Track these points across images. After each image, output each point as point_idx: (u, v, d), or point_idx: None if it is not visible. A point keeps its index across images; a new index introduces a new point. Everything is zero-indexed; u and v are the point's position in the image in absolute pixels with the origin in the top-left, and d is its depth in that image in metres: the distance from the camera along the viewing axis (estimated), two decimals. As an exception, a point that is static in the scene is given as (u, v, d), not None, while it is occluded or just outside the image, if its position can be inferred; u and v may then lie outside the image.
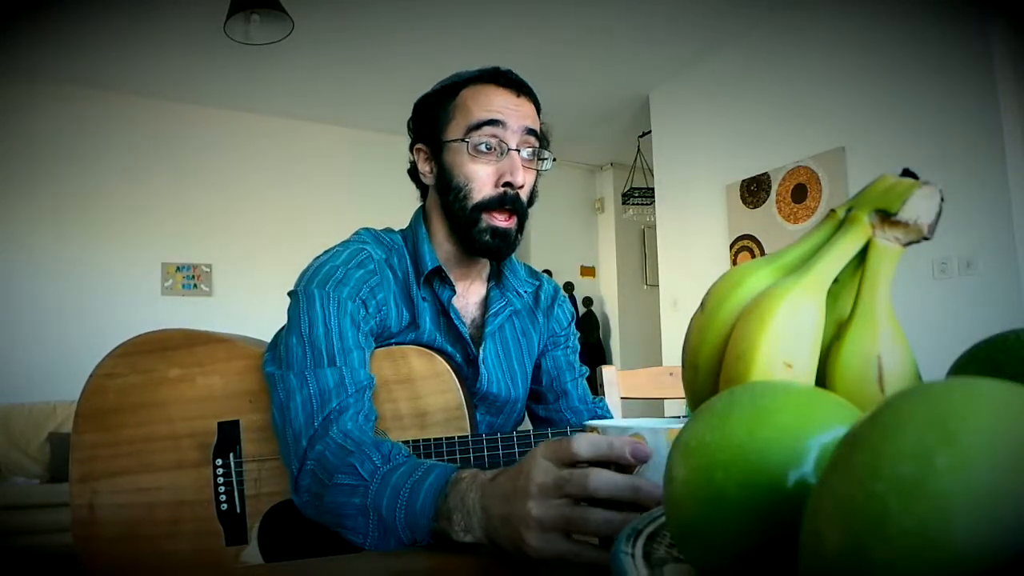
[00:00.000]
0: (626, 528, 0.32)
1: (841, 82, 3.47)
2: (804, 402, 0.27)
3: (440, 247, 1.02)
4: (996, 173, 2.86)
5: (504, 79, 0.98)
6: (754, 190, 3.92)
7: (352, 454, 0.78)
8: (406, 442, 0.90)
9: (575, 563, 0.56)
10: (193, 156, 4.70)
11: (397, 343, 0.98)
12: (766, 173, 3.85)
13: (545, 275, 1.19)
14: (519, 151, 0.96)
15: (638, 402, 2.17)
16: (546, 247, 5.94)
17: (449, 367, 0.97)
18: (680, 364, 0.40)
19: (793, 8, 3.66)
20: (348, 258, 0.96)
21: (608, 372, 1.36)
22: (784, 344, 0.34)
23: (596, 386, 1.35)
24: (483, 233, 0.96)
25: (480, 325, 1.05)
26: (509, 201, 0.96)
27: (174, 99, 4.63)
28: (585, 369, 1.19)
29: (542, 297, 1.14)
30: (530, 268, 1.18)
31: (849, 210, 0.37)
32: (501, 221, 0.96)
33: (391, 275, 0.99)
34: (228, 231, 4.70)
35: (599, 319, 5.98)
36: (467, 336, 1.02)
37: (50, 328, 4.12)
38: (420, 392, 0.95)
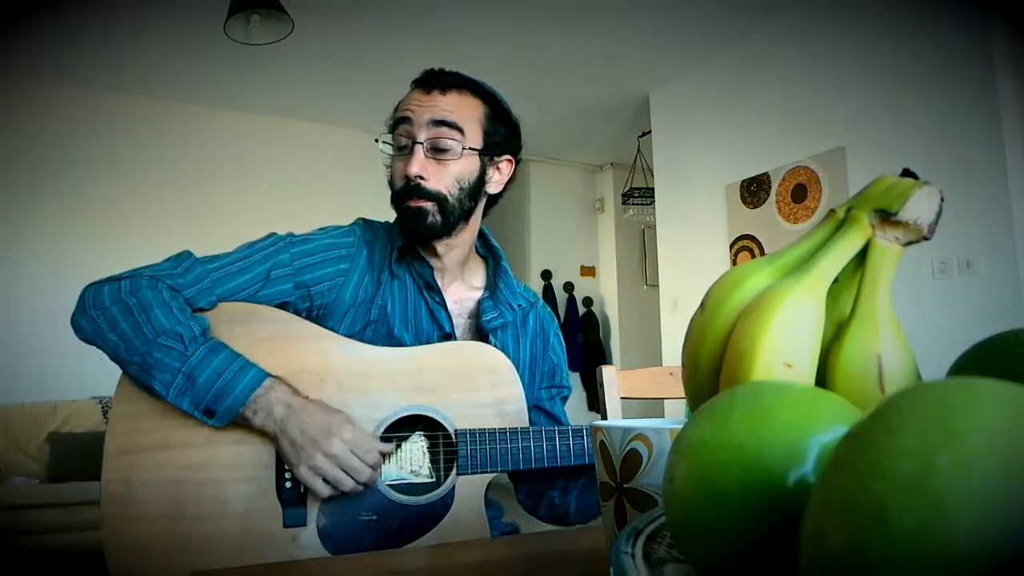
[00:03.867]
0: (626, 528, 0.32)
1: (841, 82, 3.47)
2: (804, 402, 0.27)
3: None
4: (996, 173, 2.86)
5: (420, 80, 1.08)
6: (754, 190, 3.92)
7: (179, 323, 0.92)
8: (471, 432, 0.98)
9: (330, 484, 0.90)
10: (193, 156, 4.70)
11: (355, 315, 1.04)
12: (766, 173, 3.85)
13: (540, 300, 1.23)
14: (423, 143, 1.04)
15: (638, 402, 2.17)
16: (546, 247, 5.94)
17: (511, 363, 1.02)
18: (680, 364, 0.40)
19: (793, 8, 3.65)
20: (328, 228, 1.10)
21: (608, 372, 1.36)
22: (784, 344, 0.34)
23: (596, 386, 1.35)
24: (404, 215, 1.06)
25: (464, 325, 1.11)
26: (411, 191, 1.04)
27: (174, 99, 4.63)
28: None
29: (531, 321, 1.17)
30: (529, 289, 1.22)
31: (849, 210, 0.37)
32: (412, 202, 1.05)
33: (367, 253, 1.08)
34: (228, 231, 4.68)
35: (599, 319, 5.98)
36: (447, 313, 1.07)
37: (50, 328, 4.11)
38: (484, 383, 1.00)
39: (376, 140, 1.08)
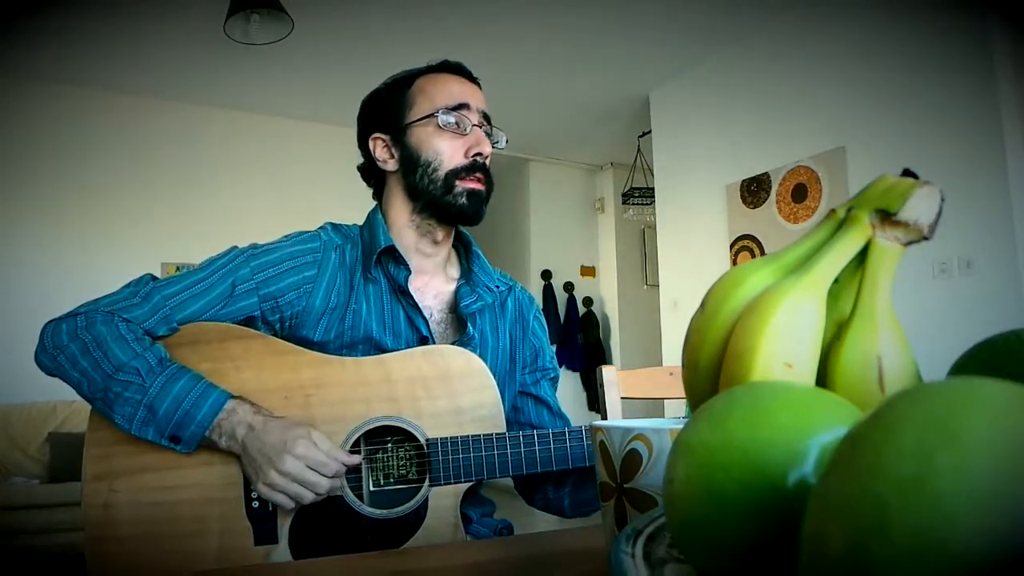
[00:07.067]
0: (626, 528, 0.32)
1: (841, 82, 3.47)
2: (804, 402, 0.27)
3: (399, 235, 1.08)
4: (996, 173, 2.86)
5: (457, 69, 1.09)
6: (754, 190, 3.92)
7: (136, 355, 0.92)
8: (443, 441, 0.95)
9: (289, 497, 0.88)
10: (193, 156, 4.70)
11: (326, 325, 1.02)
12: (766, 173, 3.85)
13: (519, 284, 1.21)
14: (481, 128, 1.07)
15: (638, 402, 2.17)
16: (546, 247, 5.94)
17: (485, 366, 0.99)
18: (680, 364, 0.40)
19: (793, 8, 3.66)
20: (293, 234, 1.07)
21: (608, 372, 1.36)
22: (784, 344, 0.34)
23: (596, 386, 1.35)
24: (459, 196, 1.04)
25: (443, 319, 1.09)
26: (479, 168, 1.05)
27: (174, 99, 4.63)
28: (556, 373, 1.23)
29: (510, 305, 1.15)
30: (506, 274, 1.20)
31: (849, 210, 0.37)
32: (474, 183, 1.04)
33: (337, 257, 1.05)
34: (228, 231, 4.69)
35: (599, 319, 5.98)
36: (424, 317, 1.04)
37: (50, 328, 4.12)
38: (457, 389, 0.97)
39: (430, 116, 1.05)
